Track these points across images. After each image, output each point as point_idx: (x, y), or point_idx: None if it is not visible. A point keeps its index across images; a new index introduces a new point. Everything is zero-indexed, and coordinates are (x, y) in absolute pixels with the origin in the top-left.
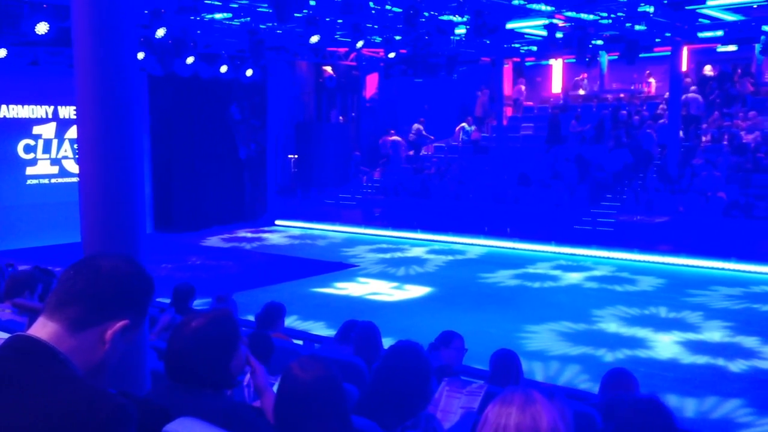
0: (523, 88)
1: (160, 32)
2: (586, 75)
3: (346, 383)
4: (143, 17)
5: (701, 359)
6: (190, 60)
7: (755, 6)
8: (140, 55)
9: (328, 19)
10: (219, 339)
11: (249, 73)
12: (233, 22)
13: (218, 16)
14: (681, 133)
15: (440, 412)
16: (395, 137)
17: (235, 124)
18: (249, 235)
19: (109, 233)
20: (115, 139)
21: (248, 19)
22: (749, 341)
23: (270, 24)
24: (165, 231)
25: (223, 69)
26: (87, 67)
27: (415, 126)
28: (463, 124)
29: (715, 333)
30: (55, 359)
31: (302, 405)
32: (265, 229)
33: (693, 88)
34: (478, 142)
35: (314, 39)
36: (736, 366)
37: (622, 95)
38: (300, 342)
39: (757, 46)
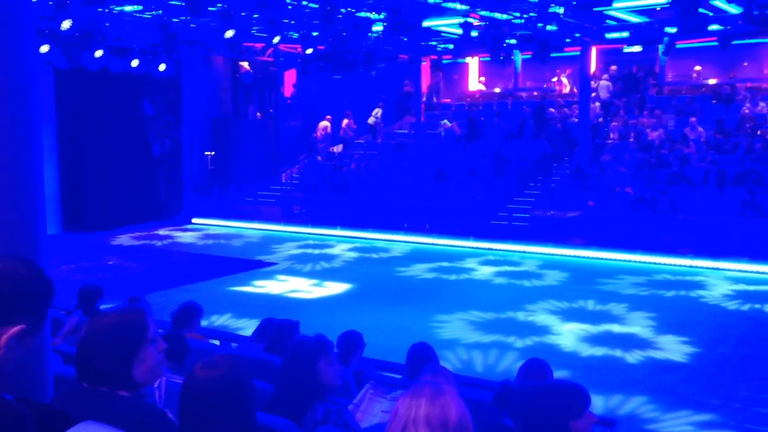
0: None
1: (66, 24)
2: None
3: (260, 381)
4: (47, 8)
5: (599, 351)
6: (98, 53)
7: (658, 8)
8: (44, 48)
9: (243, 14)
10: (124, 339)
11: (162, 67)
12: (144, 15)
13: (128, 8)
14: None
15: (361, 412)
16: (325, 122)
17: (148, 120)
18: (164, 233)
19: (7, 235)
20: (11, 136)
21: (160, 12)
22: (646, 332)
23: (183, 18)
24: (75, 231)
25: (135, 63)
26: None
27: (345, 121)
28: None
29: (615, 325)
30: None
31: (204, 405)
32: (182, 227)
33: (605, 76)
34: (374, 128)
35: (229, 34)
36: (633, 357)
37: (535, 93)
38: (217, 342)
39: (661, 47)
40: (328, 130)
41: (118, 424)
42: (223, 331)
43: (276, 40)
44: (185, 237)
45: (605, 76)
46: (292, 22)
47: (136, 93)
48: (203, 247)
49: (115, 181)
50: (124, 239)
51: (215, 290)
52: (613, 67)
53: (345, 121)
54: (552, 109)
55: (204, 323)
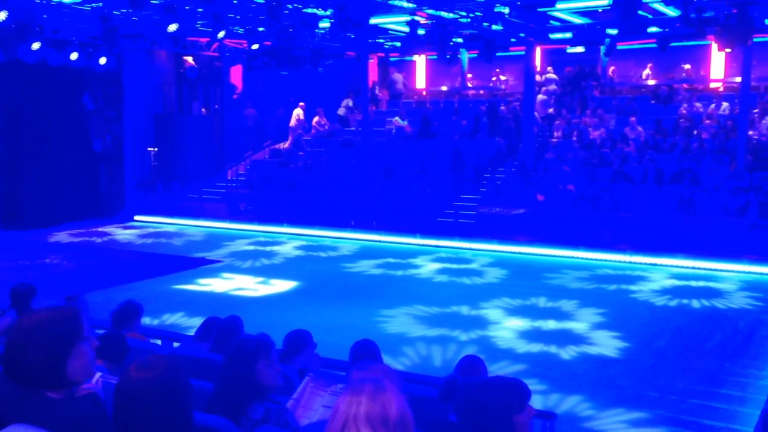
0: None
1: (2, 15)
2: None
3: (203, 381)
4: None
5: (535, 347)
6: (36, 46)
7: (600, 10)
8: None
9: (187, 8)
10: (58, 334)
11: (102, 61)
12: (84, 7)
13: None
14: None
15: (301, 408)
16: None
17: (88, 115)
18: (104, 231)
19: None
20: None
21: (100, 4)
22: (587, 327)
23: (124, 10)
24: (12, 228)
25: (74, 56)
26: None
27: (316, 118)
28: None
29: (551, 322)
30: None
31: (138, 407)
32: (123, 225)
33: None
34: (345, 119)
35: (172, 28)
36: (567, 353)
37: (482, 92)
38: (158, 341)
39: (602, 48)
40: (301, 117)
41: (51, 427)
42: (165, 330)
43: (221, 35)
44: (127, 235)
45: (549, 70)
46: (238, 17)
47: (75, 87)
48: (145, 245)
49: (54, 177)
50: (63, 237)
51: (158, 289)
52: (550, 69)
53: (315, 118)
54: (503, 107)
55: (155, 322)
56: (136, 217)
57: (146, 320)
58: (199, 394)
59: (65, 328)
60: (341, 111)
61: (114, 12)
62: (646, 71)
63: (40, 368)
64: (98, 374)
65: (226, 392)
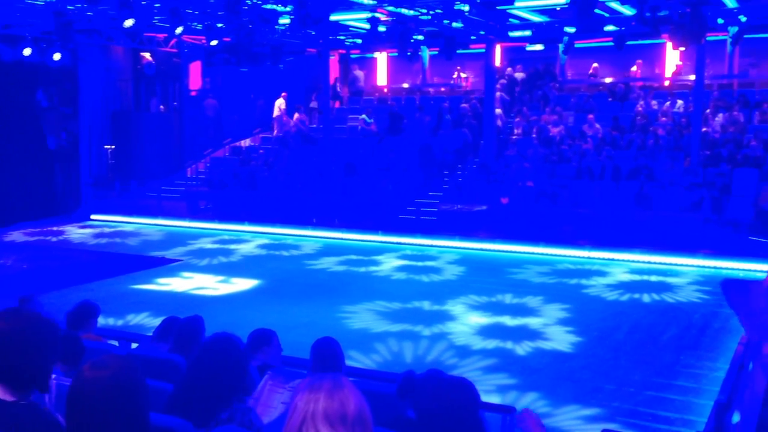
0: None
1: None
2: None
3: (163, 382)
4: None
5: (491, 343)
6: None
7: (558, 9)
8: None
9: (144, 2)
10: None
11: (57, 56)
12: (37, 2)
13: None
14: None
15: (261, 406)
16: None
17: (42, 112)
18: (60, 230)
19: None
20: None
21: None
22: (540, 322)
23: (79, 5)
24: None
25: (27, 52)
26: None
27: (296, 116)
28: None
29: (509, 318)
30: None
31: (92, 407)
32: (80, 224)
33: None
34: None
35: (128, 23)
36: (522, 348)
37: (443, 89)
38: (116, 343)
39: (561, 46)
40: (283, 107)
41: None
42: (123, 331)
43: (179, 30)
44: (83, 234)
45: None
46: (196, 12)
47: (29, 83)
48: (103, 244)
49: (7, 175)
50: (17, 236)
51: (116, 289)
52: (518, 67)
53: (296, 116)
54: (464, 104)
55: (120, 323)
56: (93, 216)
57: (110, 321)
58: (159, 395)
59: (19, 334)
60: (314, 104)
61: (68, 7)
62: (594, 65)
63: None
64: (53, 376)
65: (203, 393)
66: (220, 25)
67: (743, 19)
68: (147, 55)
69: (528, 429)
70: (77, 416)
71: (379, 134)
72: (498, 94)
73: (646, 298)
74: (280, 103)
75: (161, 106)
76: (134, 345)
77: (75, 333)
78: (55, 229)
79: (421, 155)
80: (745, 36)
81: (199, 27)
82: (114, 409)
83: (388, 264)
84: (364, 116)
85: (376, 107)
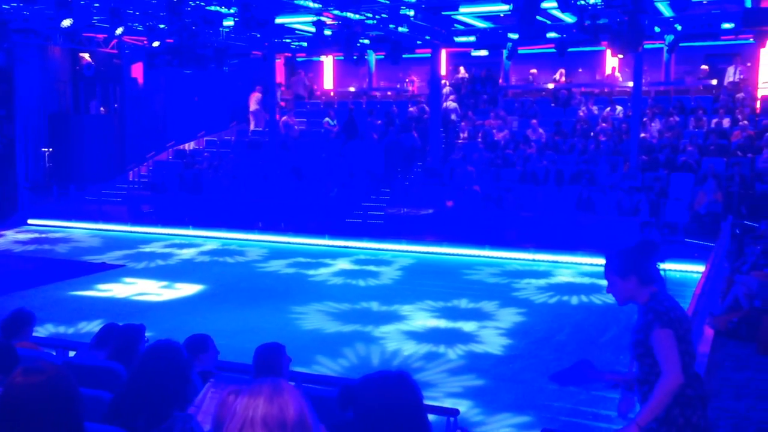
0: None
1: None
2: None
3: (101, 390)
4: None
5: (423, 348)
6: None
7: (502, 15)
8: None
9: (83, 2)
10: None
11: None
12: None
13: None
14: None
15: (202, 413)
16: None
17: None
18: None
19: None
20: None
21: None
22: (469, 326)
23: (15, 4)
24: None
25: None
26: None
27: (284, 118)
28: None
29: (441, 322)
30: None
31: (24, 414)
32: (16, 229)
33: (452, 97)
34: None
35: (66, 23)
36: (455, 352)
37: (389, 93)
38: (53, 351)
39: (505, 52)
40: (260, 100)
41: None
42: (60, 339)
43: (119, 31)
44: (19, 239)
45: (452, 97)
46: (137, 13)
47: None
48: (40, 250)
49: None
50: None
51: (54, 296)
52: (461, 69)
53: (284, 118)
54: (412, 108)
55: (70, 331)
56: (30, 221)
57: (61, 329)
58: (97, 404)
59: None
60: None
61: (4, 6)
62: (532, 71)
63: None
64: None
65: (143, 402)
66: (162, 26)
67: (679, 27)
68: (86, 56)
69: None
70: (8, 424)
71: (341, 137)
72: (446, 89)
73: (588, 299)
74: (257, 97)
75: (101, 108)
76: (72, 353)
77: (8, 342)
78: None
79: (387, 153)
80: (681, 44)
81: (141, 28)
82: (47, 417)
83: (333, 267)
84: (327, 119)
85: (322, 111)
